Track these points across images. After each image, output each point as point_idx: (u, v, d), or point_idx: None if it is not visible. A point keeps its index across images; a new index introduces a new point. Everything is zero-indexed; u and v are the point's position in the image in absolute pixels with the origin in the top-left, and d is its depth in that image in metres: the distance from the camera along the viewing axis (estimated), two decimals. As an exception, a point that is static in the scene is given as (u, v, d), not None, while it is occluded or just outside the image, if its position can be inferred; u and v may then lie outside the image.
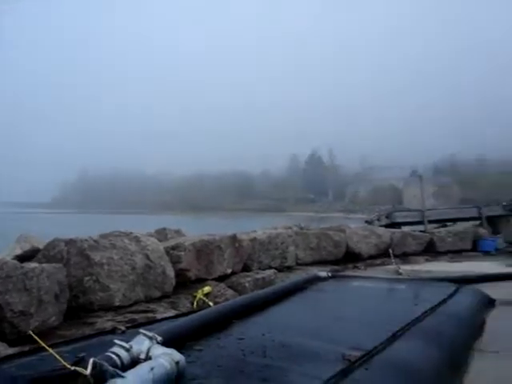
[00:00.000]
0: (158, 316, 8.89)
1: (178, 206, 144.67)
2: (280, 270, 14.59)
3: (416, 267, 16.74)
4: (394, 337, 6.37)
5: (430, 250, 20.08)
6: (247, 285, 12.29)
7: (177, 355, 4.65)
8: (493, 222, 24.10)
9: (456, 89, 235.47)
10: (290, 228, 16.76)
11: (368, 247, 17.82)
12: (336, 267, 15.72)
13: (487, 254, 20.71)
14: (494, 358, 7.75)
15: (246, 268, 13.70)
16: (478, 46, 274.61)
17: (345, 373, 4.89)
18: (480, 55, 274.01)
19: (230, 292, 11.62)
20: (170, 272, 10.77)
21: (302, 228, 17.27)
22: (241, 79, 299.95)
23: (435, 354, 6.36)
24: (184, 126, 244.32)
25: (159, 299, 10.45)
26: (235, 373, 4.87)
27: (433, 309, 8.21)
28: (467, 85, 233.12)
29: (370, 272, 15.53)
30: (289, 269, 15.22)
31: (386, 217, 22.43)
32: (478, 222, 23.84)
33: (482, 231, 22.44)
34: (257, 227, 16.95)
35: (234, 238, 13.00)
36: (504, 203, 25.74)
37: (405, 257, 18.60)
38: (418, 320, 7.35)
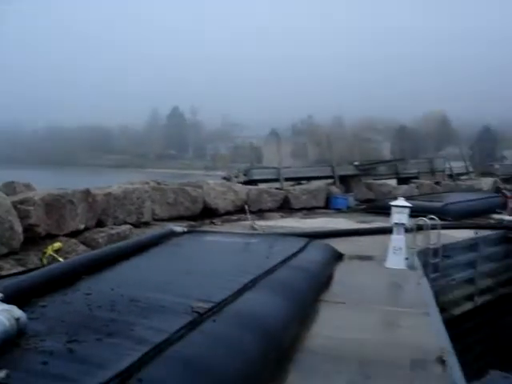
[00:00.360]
0: (4, 273, 8.50)
1: (31, 161, 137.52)
2: (136, 225, 14.38)
3: (271, 223, 17.14)
4: (244, 289, 6.48)
5: (285, 207, 20.58)
6: (101, 240, 12.03)
7: (17, 312, 4.44)
8: (345, 181, 25.08)
9: (315, 50, 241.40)
10: (147, 183, 16.49)
11: (225, 203, 17.95)
12: (193, 223, 15.76)
13: (339, 211, 21.56)
14: (340, 308, 8.14)
15: (101, 223, 13.36)
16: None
17: (192, 325, 4.90)
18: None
19: (82, 248, 11.31)
20: (18, 227, 10.28)
21: (159, 183, 17.05)
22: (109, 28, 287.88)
23: (284, 305, 6.55)
24: (34, 76, 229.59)
25: (6, 256, 9.96)
26: (79, 328, 4.72)
27: (283, 262, 8.44)
28: (325, 46, 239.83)
29: (226, 227, 15.71)
30: (145, 224, 15.04)
31: (244, 174, 22.68)
32: (331, 181, 24.70)
33: (335, 189, 23.30)
34: (116, 184, 16.55)
35: (87, 193, 12.60)
36: (356, 163, 26.87)
37: (261, 213, 18.93)
38: (268, 272, 7.52)
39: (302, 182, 24.21)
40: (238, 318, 5.46)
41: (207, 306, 5.39)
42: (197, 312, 5.18)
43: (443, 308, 14.84)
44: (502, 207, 21.20)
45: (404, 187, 26.29)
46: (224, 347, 4.78)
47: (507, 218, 19.74)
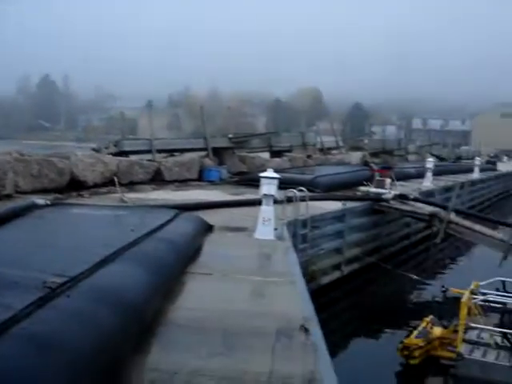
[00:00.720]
0: None
1: None
2: (-4, 198, 13.61)
3: (142, 195, 16.77)
4: (105, 262, 6.22)
5: (158, 179, 20.18)
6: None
7: None
8: (219, 154, 24.98)
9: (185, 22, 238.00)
10: (10, 154, 15.59)
11: (94, 175, 17.29)
12: (59, 195, 15.08)
13: (212, 183, 21.49)
14: (207, 280, 8.07)
15: (-44, 196, 12.52)
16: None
17: (43, 301, 4.61)
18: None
19: None
20: None
21: (22, 154, 16.14)
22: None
23: (146, 277, 6.36)
24: None
25: None
26: None
27: (149, 234, 8.23)
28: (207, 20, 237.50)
29: (94, 200, 15.15)
30: (7, 197, 14.23)
31: (115, 145, 21.94)
32: (204, 153, 24.51)
33: (208, 162, 23.16)
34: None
35: None
36: (230, 136, 26.84)
37: (132, 185, 18.44)
38: (132, 245, 7.29)
39: (176, 153, 23.84)
40: (96, 292, 5.22)
41: (61, 280, 5.10)
42: (49, 287, 4.88)
43: (312, 277, 15.22)
44: (369, 180, 21.95)
45: (276, 160, 26.66)
46: (78, 322, 4.55)
47: (373, 190, 20.50)
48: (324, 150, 33.69)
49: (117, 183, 16.65)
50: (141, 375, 4.79)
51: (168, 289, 6.90)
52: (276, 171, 12.03)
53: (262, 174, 11.56)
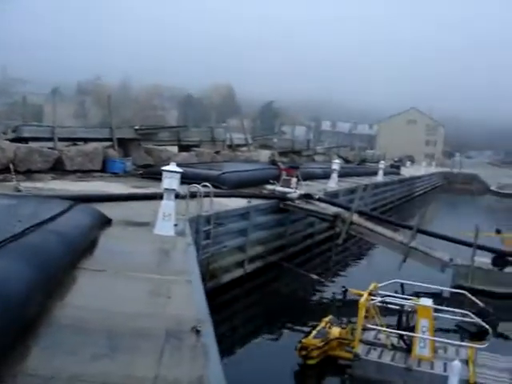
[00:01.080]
0: None
1: None
2: None
3: (40, 185, 15.97)
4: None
5: (59, 168, 19.32)
6: None
7: None
8: (124, 145, 24.27)
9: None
10: None
11: (-12, 161, 16.39)
12: None
13: (116, 175, 20.89)
14: (99, 277, 7.65)
15: None
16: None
17: None
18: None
19: None
20: None
21: None
22: None
23: (28, 273, 5.88)
24: None
25: None
26: None
27: (37, 226, 7.68)
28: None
29: (-14, 188, 14.33)
30: None
31: (13, 130, 20.88)
32: (109, 144, 23.76)
33: (113, 153, 22.45)
34: None
35: None
36: (136, 127, 26.15)
37: (30, 173, 17.59)
38: (15, 237, 6.73)
39: (79, 143, 22.94)
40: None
41: None
42: None
43: (213, 275, 15.00)
44: (277, 179, 21.93)
45: (184, 154, 26.25)
46: None
47: (279, 188, 20.49)
48: (233, 147, 33.54)
49: (12, 170, 15.82)
50: (15, 380, 4.39)
51: (55, 285, 6.46)
52: (183, 166, 11.77)
53: (163, 168, 11.21)
